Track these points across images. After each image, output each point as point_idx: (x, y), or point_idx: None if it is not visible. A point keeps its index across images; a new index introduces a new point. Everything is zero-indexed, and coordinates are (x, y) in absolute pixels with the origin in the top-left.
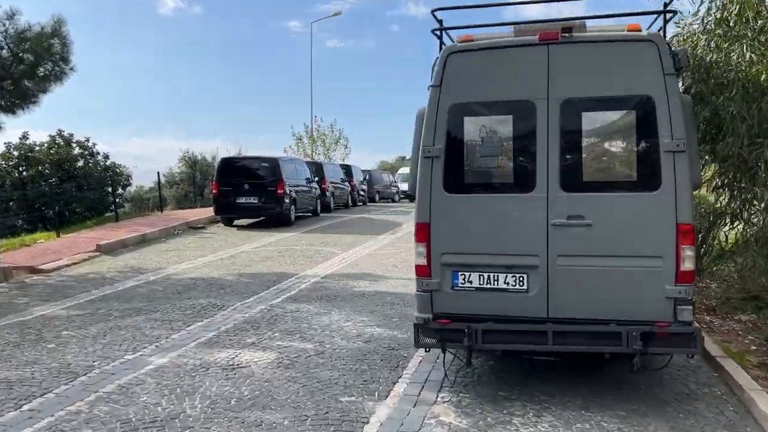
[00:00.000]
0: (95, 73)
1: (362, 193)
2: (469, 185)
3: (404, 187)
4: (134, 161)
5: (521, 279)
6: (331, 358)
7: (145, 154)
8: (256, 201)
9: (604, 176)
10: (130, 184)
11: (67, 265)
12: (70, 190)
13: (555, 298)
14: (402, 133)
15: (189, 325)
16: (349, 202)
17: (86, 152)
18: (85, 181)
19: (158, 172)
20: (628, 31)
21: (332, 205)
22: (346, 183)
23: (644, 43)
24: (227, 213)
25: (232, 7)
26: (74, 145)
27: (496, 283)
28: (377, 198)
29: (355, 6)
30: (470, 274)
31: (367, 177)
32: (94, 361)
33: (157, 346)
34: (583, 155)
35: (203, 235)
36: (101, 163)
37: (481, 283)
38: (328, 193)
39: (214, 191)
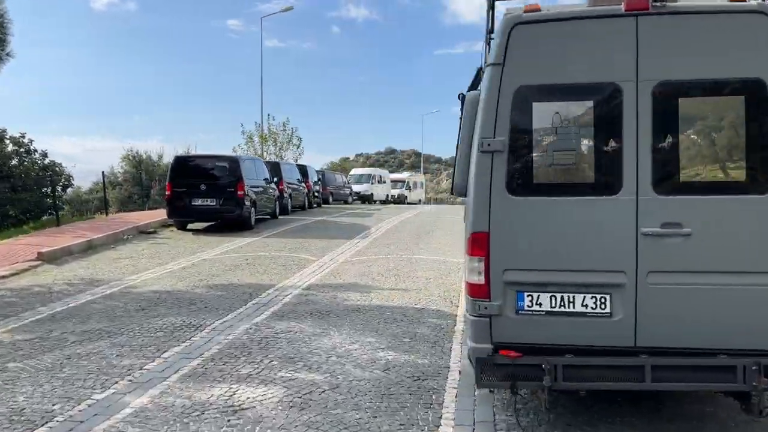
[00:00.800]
0: (22, 69)
1: (317, 194)
2: (538, 186)
3: (357, 188)
4: (64, 161)
5: (603, 300)
6: (351, 394)
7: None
8: (214, 203)
9: (706, 176)
10: (71, 185)
11: (3, 277)
12: (3, 191)
13: (644, 324)
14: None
15: (164, 351)
16: (306, 203)
17: (21, 149)
18: (20, 181)
19: (102, 172)
20: (730, 0)
21: (290, 207)
22: (303, 184)
23: (753, 15)
24: (182, 216)
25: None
26: (7, 141)
27: (571, 305)
28: (331, 200)
29: (295, 6)
30: (539, 295)
31: (321, 178)
32: (54, 405)
33: (131, 381)
34: (680, 150)
35: (156, 241)
36: (39, 162)
37: (553, 305)
38: (285, 195)
39: (166, 192)
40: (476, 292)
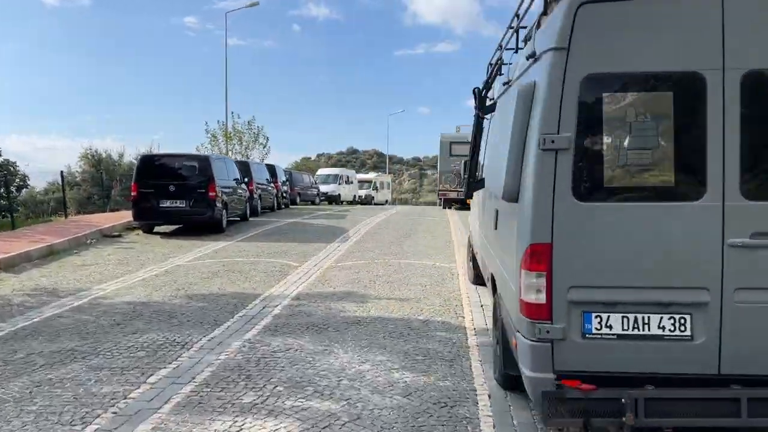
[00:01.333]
0: None
1: (285, 195)
2: (610, 190)
3: (324, 189)
4: (16, 160)
5: (682, 322)
6: (375, 426)
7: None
8: (184, 205)
9: None
10: (26, 186)
11: None
12: None
13: (730, 348)
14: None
15: (149, 375)
16: (275, 205)
17: None
18: None
19: (61, 172)
20: None
21: (259, 209)
22: (272, 184)
23: None
24: (149, 219)
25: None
26: None
27: (646, 327)
28: (298, 200)
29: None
30: (609, 316)
31: (289, 178)
32: None
33: (116, 413)
34: None
35: (122, 245)
36: None
37: (625, 328)
38: (255, 196)
39: (132, 194)
40: (535, 312)
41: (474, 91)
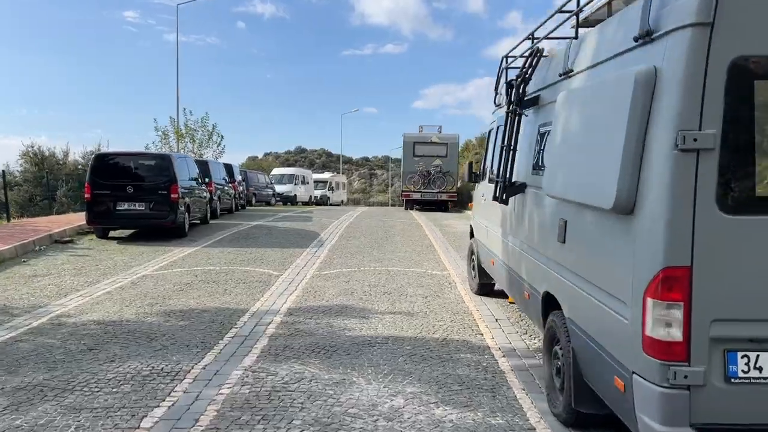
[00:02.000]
0: None
1: (242, 196)
2: (764, 200)
3: (280, 189)
4: None
5: None
6: None
7: None
8: (143, 208)
9: None
10: None
11: None
12: None
13: None
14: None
15: (141, 417)
16: (233, 206)
17: None
18: None
19: (3, 172)
20: None
21: (218, 211)
22: (229, 185)
23: None
24: (105, 223)
25: None
26: None
27: None
28: (254, 201)
29: None
30: (759, 356)
31: (245, 178)
32: None
33: None
34: None
35: (76, 252)
36: None
37: None
38: (215, 197)
39: (86, 195)
40: (667, 352)
41: (509, 84)
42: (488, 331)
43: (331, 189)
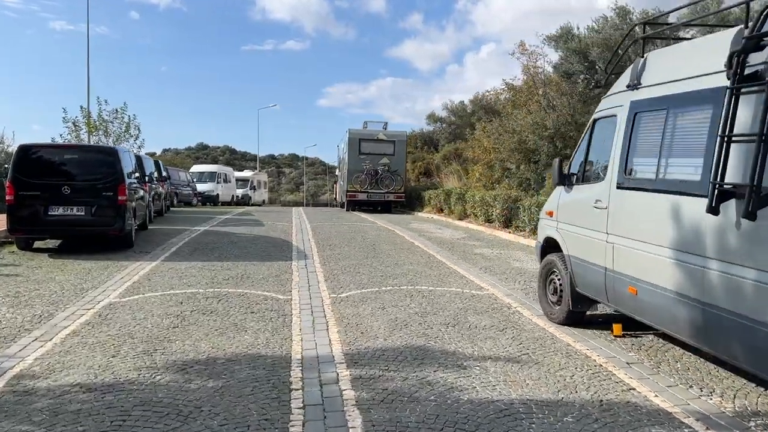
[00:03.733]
0: None
1: (168, 196)
2: None
3: (201, 188)
4: None
5: None
6: None
7: None
8: (83, 213)
9: None
10: None
11: None
12: None
13: None
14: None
15: None
16: (162, 208)
17: None
18: None
19: None
20: None
21: (152, 214)
22: (158, 183)
23: None
24: (34, 232)
25: None
26: None
27: None
28: (175, 201)
29: None
30: None
31: (168, 176)
32: None
33: None
34: None
35: (0, 270)
36: None
37: None
38: (149, 198)
39: (8, 197)
40: None
41: (733, 55)
42: (639, 384)
43: (253, 188)
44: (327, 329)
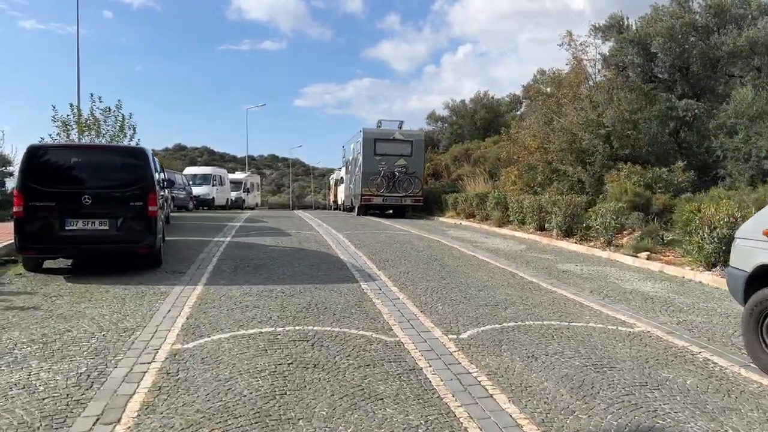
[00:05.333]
0: None
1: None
2: None
3: (197, 191)
4: None
5: None
6: None
7: None
8: (106, 227)
9: None
10: None
11: None
12: None
13: None
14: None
15: None
16: (168, 216)
17: None
18: None
19: None
20: None
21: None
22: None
23: None
24: (48, 250)
25: None
26: None
27: None
28: (172, 206)
29: None
30: None
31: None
32: None
33: None
34: None
35: (10, 301)
36: None
37: None
38: (167, 207)
39: (16, 208)
40: None
41: None
42: None
43: (247, 190)
44: (491, 396)
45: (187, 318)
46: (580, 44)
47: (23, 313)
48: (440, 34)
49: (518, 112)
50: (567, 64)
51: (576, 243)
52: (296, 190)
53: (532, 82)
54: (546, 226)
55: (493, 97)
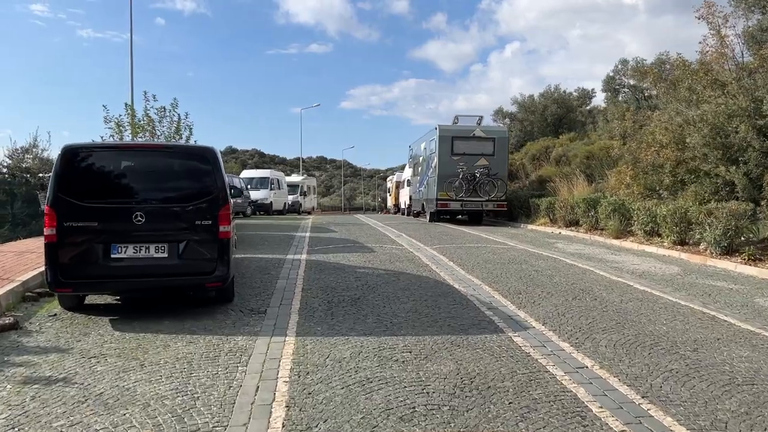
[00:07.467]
0: None
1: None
2: None
3: (254, 196)
4: None
5: None
6: None
7: None
8: (165, 254)
9: None
10: None
11: None
12: None
13: None
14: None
15: None
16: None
17: None
18: None
19: None
20: None
21: None
22: None
23: None
24: (91, 286)
25: None
26: None
27: None
28: None
29: None
30: None
31: None
32: None
33: None
34: None
35: (32, 366)
36: None
37: None
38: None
39: (46, 229)
40: None
41: None
42: None
43: (303, 194)
44: None
45: (287, 408)
46: (723, 17)
47: (47, 391)
48: (487, 33)
49: (587, 107)
50: (702, 42)
51: (745, 264)
52: (346, 192)
53: (612, 74)
54: (687, 239)
55: (564, 91)
